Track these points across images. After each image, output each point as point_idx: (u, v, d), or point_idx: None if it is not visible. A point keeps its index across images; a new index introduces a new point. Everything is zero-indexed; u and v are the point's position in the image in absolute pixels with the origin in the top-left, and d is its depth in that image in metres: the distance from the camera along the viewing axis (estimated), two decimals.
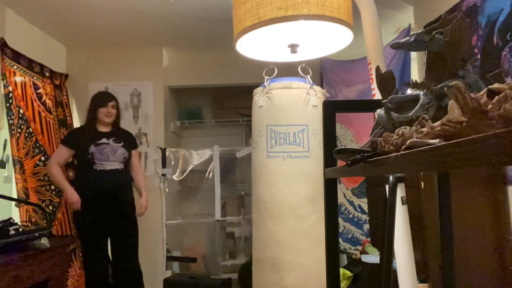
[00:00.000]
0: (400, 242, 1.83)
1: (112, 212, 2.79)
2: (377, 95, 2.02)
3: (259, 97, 2.25)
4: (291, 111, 2.16)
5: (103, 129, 2.88)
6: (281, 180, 2.13)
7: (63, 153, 2.82)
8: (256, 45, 1.78)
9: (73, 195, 2.69)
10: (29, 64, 2.94)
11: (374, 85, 2.04)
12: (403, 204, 1.85)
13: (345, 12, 1.56)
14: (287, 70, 2.33)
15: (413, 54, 2.85)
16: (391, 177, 1.67)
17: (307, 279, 2.10)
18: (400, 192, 1.83)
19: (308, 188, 2.14)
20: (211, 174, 3.62)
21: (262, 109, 2.21)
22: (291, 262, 2.10)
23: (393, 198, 1.65)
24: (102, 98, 2.90)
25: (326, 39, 1.76)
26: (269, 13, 1.46)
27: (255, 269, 2.26)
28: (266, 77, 2.25)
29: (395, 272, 1.84)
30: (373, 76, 2.05)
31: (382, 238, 1.69)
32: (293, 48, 1.69)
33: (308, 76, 2.26)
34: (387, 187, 1.71)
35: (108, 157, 2.79)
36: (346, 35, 1.65)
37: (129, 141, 2.98)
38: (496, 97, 0.50)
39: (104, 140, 2.83)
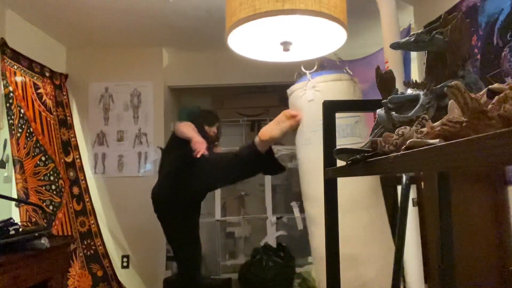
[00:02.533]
0: (410, 243, 1.81)
1: None
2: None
3: (304, 92, 2.19)
4: None
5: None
6: None
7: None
8: (249, 43, 1.76)
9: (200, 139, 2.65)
10: (29, 64, 2.94)
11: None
12: (414, 205, 1.83)
13: (341, 12, 1.55)
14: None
15: (413, 54, 2.85)
16: (404, 178, 1.66)
17: (382, 271, 2.01)
18: (412, 193, 1.81)
19: (369, 180, 2.08)
20: None
21: (313, 103, 2.14)
22: (364, 255, 2.02)
23: (406, 200, 1.63)
24: (211, 118, 2.92)
25: (319, 40, 1.75)
26: (266, 5, 1.44)
27: (318, 265, 2.17)
28: (307, 72, 2.21)
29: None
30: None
31: (394, 239, 1.69)
32: (286, 46, 1.67)
33: (346, 67, 2.24)
34: (399, 188, 1.70)
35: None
36: (340, 35, 1.64)
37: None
38: (496, 97, 0.50)
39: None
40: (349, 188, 2.03)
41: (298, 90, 2.25)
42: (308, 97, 2.16)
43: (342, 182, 2.08)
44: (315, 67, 2.20)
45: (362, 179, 2.05)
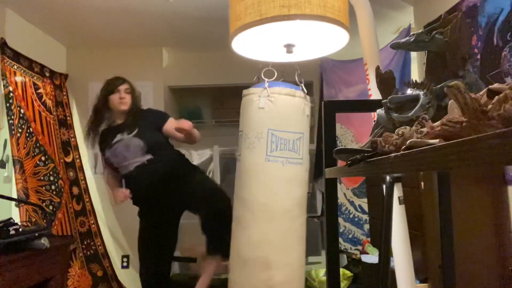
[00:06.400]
0: (397, 241, 1.84)
1: (172, 203, 2.39)
2: (374, 95, 2.03)
3: (258, 98, 2.25)
4: (292, 119, 2.19)
5: (118, 121, 2.40)
6: (279, 183, 2.16)
7: (105, 162, 2.50)
8: (252, 44, 1.77)
9: (117, 192, 2.34)
10: (29, 64, 2.94)
11: (371, 85, 2.05)
12: (400, 204, 1.86)
13: (344, 15, 1.57)
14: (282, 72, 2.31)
15: (413, 54, 2.86)
16: (387, 177, 1.68)
17: (293, 276, 2.17)
18: (398, 191, 1.84)
19: (300, 192, 2.19)
20: (211, 174, 3.62)
21: (263, 111, 2.21)
22: (281, 261, 2.15)
23: (390, 198, 1.65)
24: (111, 84, 2.41)
25: (322, 41, 1.77)
26: (272, 10, 1.44)
27: (241, 268, 2.25)
28: (266, 79, 2.25)
29: (393, 271, 1.84)
30: (370, 77, 2.05)
31: (380, 238, 1.69)
32: (289, 48, 1.68)
33: (302, 85, 2.27)
34: (384, 187, 1.72)
35: (125, 157, 2.33)
36: (343, 37, 1.66)
37: (147, 123, 2.40)
38: (496, 97, 0.50)
39: (118, 137, 2.35)
40: (283, 197, 2.14)
41: (252, 95, 2.27)
42: (260, 104, 2.20)
43: (278, 194, 2.15)
44: (275, 76, 2.23)
45: (294, 191, 2.16)
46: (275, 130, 2.17)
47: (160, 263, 2.46)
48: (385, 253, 1.59)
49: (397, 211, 1.82)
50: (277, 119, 2.18)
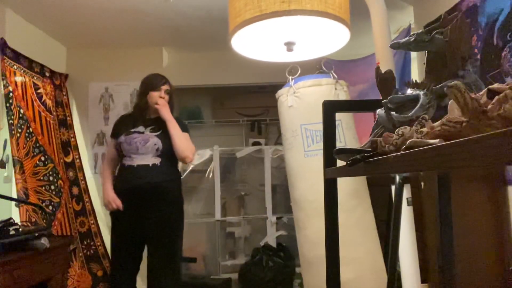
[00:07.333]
0: (405, 243, 1.82)
1: (142, 220, 2.31)
2: None
3: (286, 98, 2.23)
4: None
5: (149, 116, 2.43)
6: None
7: (110, 147, 2.48)
8: (252, 44, 1.76)
9: (106, 194, 2.34)
10: (29, 64, 2.94)
11: None
12: (408, 205, 1.84)
13: (345, 12, 1.55)
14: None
15: (413, 54, 2.85)
16: (397, 178, 1.66)
17: (363, 272, 2.06)
18: (406, 193, 1.82)
19: (350, 181, 2.10)
20: (211, 174, 3.62)
21: (292, 109, 2.19)
22: (346, 257, 2.07)
23: (399, 199, 1.64)
24: (155, 80, 2.43)
25: (322, 39, 1.75)
26: (272, 6, 1.44)
27: (307, 270, 2.20)
28: (290, 77, 2.24)
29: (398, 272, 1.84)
30: None
31: (386, 239, 1.69)
32: (289, 46, 1.67)
33: (332, 71, 2.24)
34: (393, 188, 1.70)
35: (138, 149, 2.30)
36: (344, 35, 1.64)
37: None
38: (496, 97, 0.50)
39: (140, 128, 2.37)
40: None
41: (282, 96, 2.28)
42: (289, 103, 2.19)
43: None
44: (298, 73, 2.22)
45: (346, 180, 2.05)
46: (307, 124, 2.14)
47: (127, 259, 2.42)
48: (393, 254, 1.58)
49: (405, 212, 1.81)
50: (306, 113, 2.14)
